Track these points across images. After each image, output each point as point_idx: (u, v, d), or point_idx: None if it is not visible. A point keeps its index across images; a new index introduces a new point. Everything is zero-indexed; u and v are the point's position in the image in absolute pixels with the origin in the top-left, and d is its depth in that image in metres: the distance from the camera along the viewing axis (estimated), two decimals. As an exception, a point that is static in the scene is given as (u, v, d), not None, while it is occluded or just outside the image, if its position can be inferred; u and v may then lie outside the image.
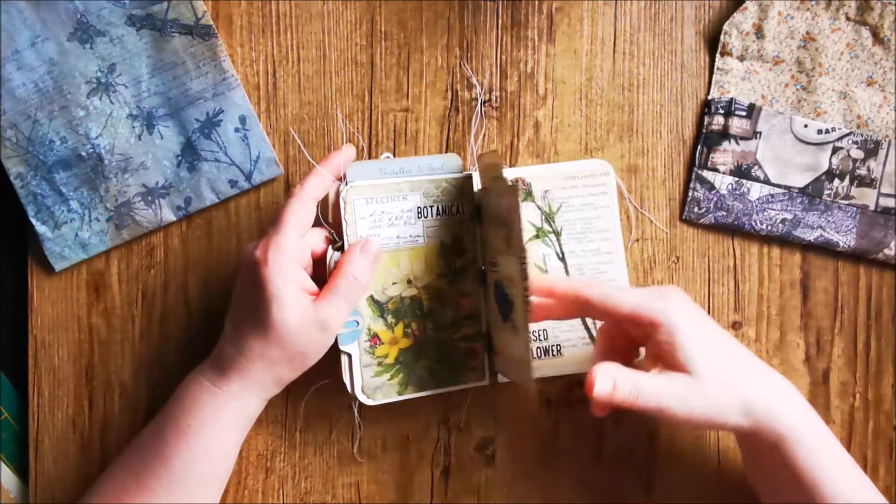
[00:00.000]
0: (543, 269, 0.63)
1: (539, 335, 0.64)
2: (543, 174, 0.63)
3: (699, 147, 0.66)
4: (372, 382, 0.61)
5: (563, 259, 0.63)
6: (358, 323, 0.60)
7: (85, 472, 0.65)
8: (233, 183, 0.64)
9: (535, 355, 0.64)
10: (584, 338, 0.64)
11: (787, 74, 0.65)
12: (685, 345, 0.54)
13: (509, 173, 0.63)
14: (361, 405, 0.61)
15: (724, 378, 0.55)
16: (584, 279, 0.62)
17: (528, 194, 0.63)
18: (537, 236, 0.63)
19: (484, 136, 0.65)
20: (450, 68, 0.65)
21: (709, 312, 0.67)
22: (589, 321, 0.64)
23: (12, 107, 0.62)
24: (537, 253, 0.63)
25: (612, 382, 0.54)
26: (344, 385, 0.60)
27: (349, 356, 0.60)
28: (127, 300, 0.65)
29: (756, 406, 0.55)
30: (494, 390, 0.65)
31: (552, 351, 0.64)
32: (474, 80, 0.65)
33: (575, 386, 0.66)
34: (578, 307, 0.58)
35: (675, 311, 0.55)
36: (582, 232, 0.64)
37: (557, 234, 0.63)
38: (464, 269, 0.61)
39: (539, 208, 0.63)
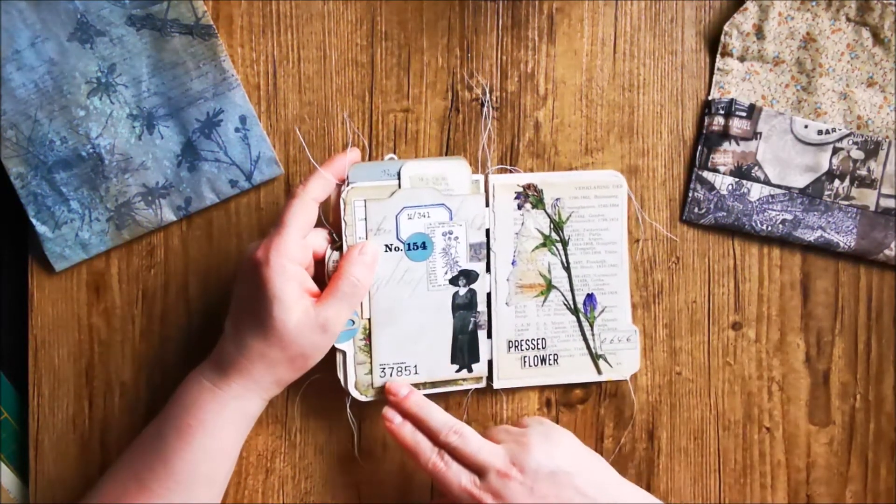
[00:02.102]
0: (548, 277, 0.63)
1: (537, 344, 0.64)
2: (555, 182, 0.63)
3: (699, 147, 0.66)
4: (366, 379, 0.61)
5: (567, 269, 0.63)
6: (353, 322, 0.60)
7: (85, 472, 0.65)
8: (233, 183, 0.64)
9: (532, 363, 0.64)
10: (581, 348, 0.64)
11: (788, 75, 0.65)
12: None
13: (522, 179, 0.63)
14: (356, 402, 0.61)
15: None
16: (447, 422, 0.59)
17: (539, 201, 0.63)
18: (544, 244, 0.63)
19: (487, 138, 0.65)
20: (450, 69, 0.65)
21: (709, 313, 0.67)
22: (587, 331, 0.64)
23: (12, 107, 0.62)
24: (542, 261, 0.63)
25: None
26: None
27: (343, 354, 0.60)
28: (127, 300, 0.65)
29: None
30: (494, 391, 0.65)
31: (549, 360, 0.64)
32: (480, 80, 0.65)
33: (574, 387, 0.66)
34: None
35: None
36: (589, 243, 0.64)
37: (564, 243, 0.63)
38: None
39: (548, 216, 0.63)
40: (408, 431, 0.59)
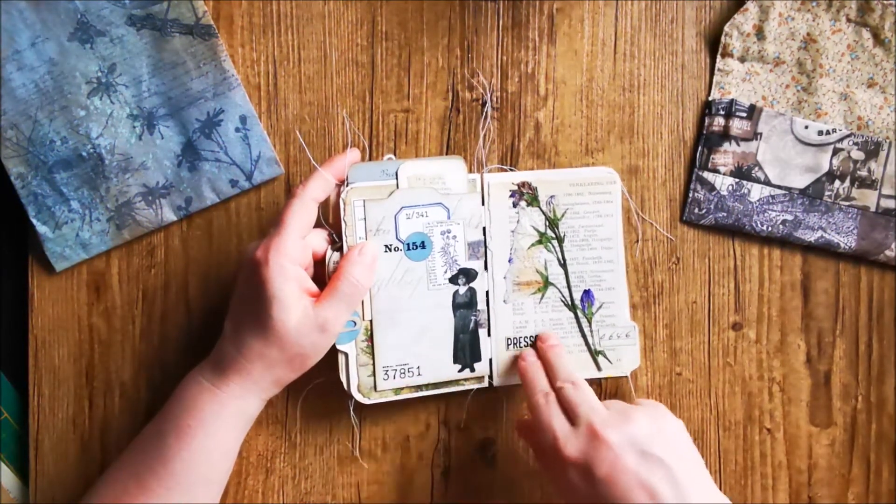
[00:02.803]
0: (544, 274, 0.63)
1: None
2: (549, 179, 0.63)
3: (700, 148, 0.66)
4: (368, 382, 0.61)
5: (563, 265, 0.63)
6: (355, 323, 0.60)
7: (85, 472, 0.65)
8: (233, 183, 0.64)
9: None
10: (580, 344, 0.64)
11: (788, 76, 0.65)
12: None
13: (516, 177, 0.63)
14: (358, 404, 0.61)
15: None
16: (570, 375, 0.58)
17: (534, 199, 0.63)
18: (540, 242, 0.63)
19: (485, 136, 0.65)
20: (450, 69, 0.65)
21: (709, 314, 0.67)
22: (585, 327, 0.64)
23: (13, 107, 0.62)
24: (539, 259, 0.63)
25: None
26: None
27: (346, 355, 0.60)
28: (127, 300, 0.65)
29: None
30: (494, 391, 0.65)
31: None
32: (482, 80, 0.65)
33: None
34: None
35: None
36: (584, 239, 0.64)
37: (560, 240, 0.63)
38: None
39: (543, 213, 0.63)
40: (533, 369, 0.60)
